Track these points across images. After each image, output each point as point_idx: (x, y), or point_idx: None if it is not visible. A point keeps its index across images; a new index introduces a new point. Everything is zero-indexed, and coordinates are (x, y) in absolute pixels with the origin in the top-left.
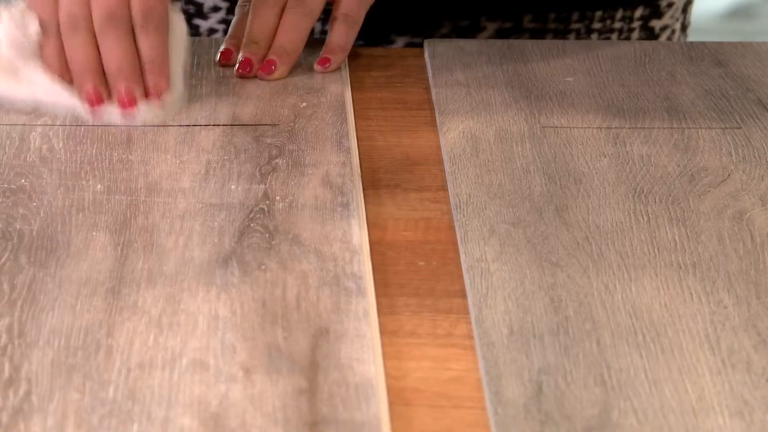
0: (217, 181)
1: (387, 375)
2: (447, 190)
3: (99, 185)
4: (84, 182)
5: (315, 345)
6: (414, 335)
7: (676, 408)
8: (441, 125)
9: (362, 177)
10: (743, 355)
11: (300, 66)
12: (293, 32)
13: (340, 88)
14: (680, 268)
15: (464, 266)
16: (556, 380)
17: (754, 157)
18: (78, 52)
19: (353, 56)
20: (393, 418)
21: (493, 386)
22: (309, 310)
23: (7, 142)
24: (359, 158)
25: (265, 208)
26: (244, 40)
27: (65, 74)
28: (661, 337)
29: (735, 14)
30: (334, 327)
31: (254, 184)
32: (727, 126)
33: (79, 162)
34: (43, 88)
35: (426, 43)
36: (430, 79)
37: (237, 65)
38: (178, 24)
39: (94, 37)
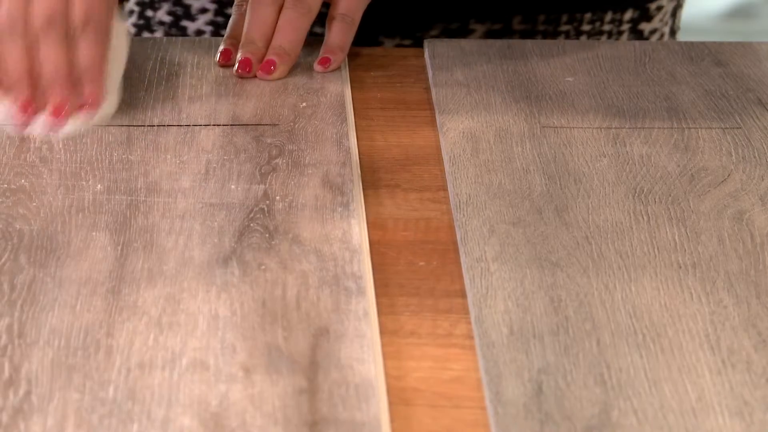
0: (217, 181)
1: (387, 375)
2: (447, 190)
3: (99, 185)
4: (84, 182)
5: (315, 345)
6: (414, 335)
7: (676, 408)
8: (441, 125)
9: (362, 177)
10: (743, 355)
11: (300, 66)
12: (292, 31)
13: (340, 88)
14: (680, 268)
15: (464, 266)
16: (556, 380)
17: (754, 157)
18: (13, 56)
19: (353, 56)
20: (393, 418)
21: (493, 386)
22: (309, 310)
23: (7, 142)
24: (359, 158)
25: (265, 208)
26: (242, 39)
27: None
28: (661, 337)
29: (735, 14)
30: (334, 327)
31: (254, 184)
32: (727, 126)
33: (79, 162)
34: None
35: (426, 42)
36: (430, 79)
37: (236, 65)
38: (121, 29)
39: (30, 40)
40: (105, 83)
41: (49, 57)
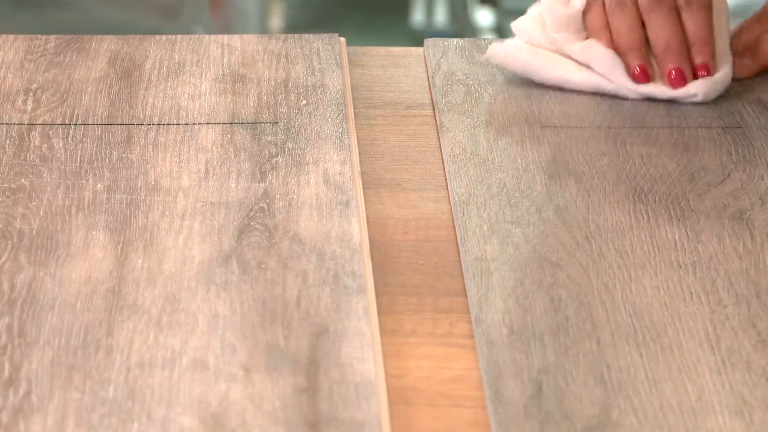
0: (216, 180)
1: (387, 374)
2: (447, 189)
3: (99, 184)
4: (84, 182)
5: (315, 344)
6: (414, 334)
7: (676, 407)
8: (441, 125)
9: (362, 176)
10: (743, 354)
11: (299, 63)
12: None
13: (340, 87)
14: (680, 267)
15: (464, 265)
16: (556, 380)
17: (754, 156)
18: (624, 29)
19: (353, 55)
20: (393, 417)
21: (493, 385)
22: (309, 309)
23: (7, 141)
24: (359, 157)
25: (265, 207)
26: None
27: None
28: (661, 336)
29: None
30: (334, 326)
31: (254, 182)
32: (727, 126)
33: (79, 161)
34: (597, 61)
35: (426, 42)
36: (430, 78)
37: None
38: (722, 3)
39: (639, 16)
40: (714, 50)
41: (660, 29)
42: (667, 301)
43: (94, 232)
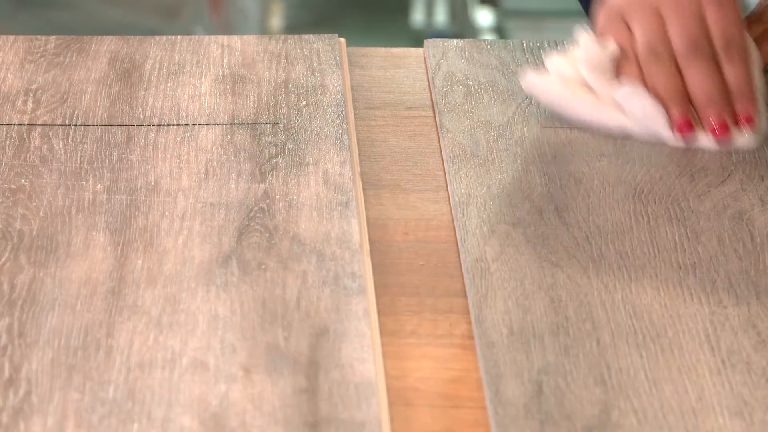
0: (216, 181)
1: (387, 375)
2: (447, 190)
3: (99, 185)
4: (84, 182)
5: (315, 344)
6: (414, 335)
7: (676, 408)
8: (441, 125)
9: (362, 176)
10: (743, 355)
11: (299, 64)
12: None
13: (340, 87)
14: (680, 268)
15: (464, 266)
16: (556, 380)
17: (754, 157)
18: (662, 79)
19: (353, 56)
20: (393, 418)
21: (493, 386)
22: (309, 310)
23: (7, 142)
24: (359, 157)
25: (265, 208)
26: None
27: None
28: (661, 337)
29: None
30: (334, 326)
31: (254, 183)
32: None
33: (79, 162)
34: (639, 109)
35: (426, 42)
36: (430, 79)
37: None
38: (753, 49)
39: (676, 65)
40: (756, 103)
41: (699, 78)
42: (667, 302)
43: (94, 233)
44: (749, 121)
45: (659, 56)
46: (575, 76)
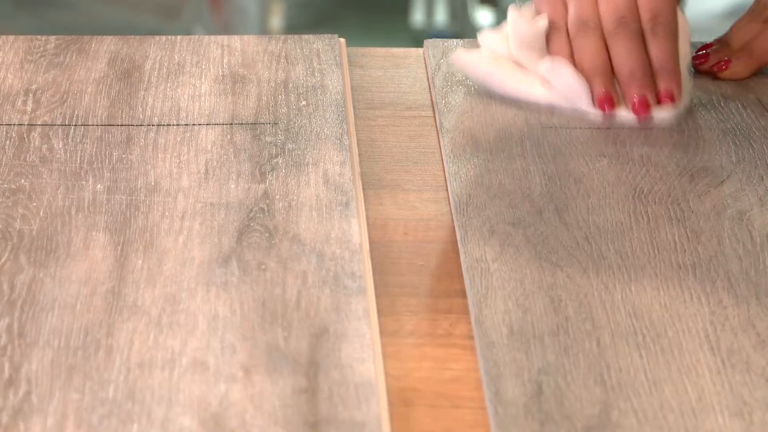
0: (216, 181)
1: (387, 375)
2: (447, 190)
3: (99, 185)
4: (84, 182)
5: (315, 345)
6: (414, 335)
7: (675, 408)
8: (441, 125)
9: (362, 177)
10: (743, 355)
11: (299, 64)
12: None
13: (340, 87)
14: (680, 268)
15: (464, 266)
16: (556, 380)
17: (754, 157)
18: (588, 53)
19: (353, 56)
20: (393, 418)
21: (493, 386)
22: (309, 310)
23: (7, 142)
24: (359, 158)
25: (265, 208)
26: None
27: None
28: (660, 337)
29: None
30: (334, 327)
31: (254, 183)
32: (727, 126)
33: (79, 162)
34: (564, 84)
35: (426, 42)
36: (430, 79)
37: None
38: (683, 25)
39: (603, 40)
40: (680, 77)
41: (624, 54)
42: (667, 302)
43: (94, 233)
44: (670, 97)
45: (587, 30)
46: (506, 52)
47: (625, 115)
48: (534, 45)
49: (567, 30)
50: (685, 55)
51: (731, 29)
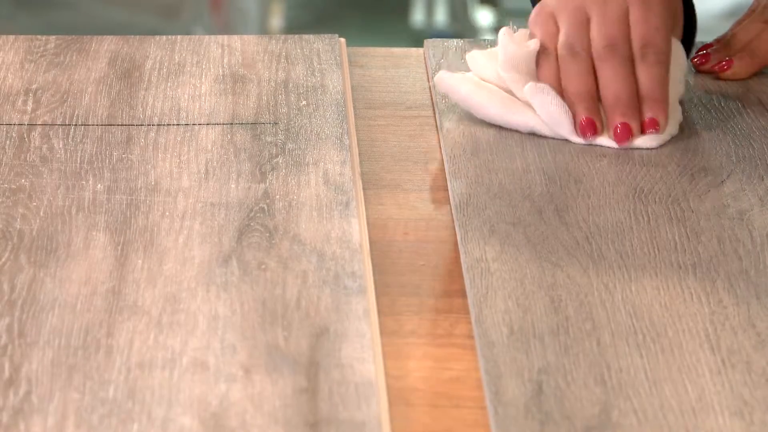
0: (217, 180)
1: (387, 375)
2: (447, 190)
3: (99, 185)
4: (84, 182)
5: (315, 344)
6: (414, 335)
7: (676, 408)
8: (441, 125)
9: (362, 176)
10: (743, 355)
11: (299, 64)
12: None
13: (340, 87)
14: (680, 268)
15: (464, 266)
16: (556, 380)
17: (754, 157)
18: (574, 78)
19: (353, 56)
20: (393, 418)
21: (493, 386)
22: (309, 310)
23: (7, 142)
24: (359, 157)
25: (265, 207)
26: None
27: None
28: (661, 337)
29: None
30: (334, 326)
31: (254, 183)
32: (727, 126)
33: (79, 162)
34: (545, 109)
35: (426, 42)
36: (430, 79)
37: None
38: (679, 55)
39: (592, 65)
40: (667, 106)
41: (611, 80)
42: (667, 302)
43: (94, 233)
44: (654, 126)
45: (576, 55)
46: (493, 73)
47: (606, 142)
48: (522, 67)
49: (556, 53)
50: (677, 83)
51: (732, 29)
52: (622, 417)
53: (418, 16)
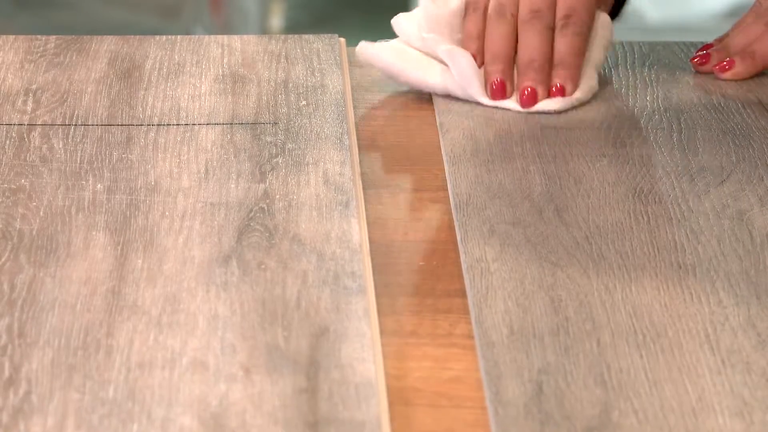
0: (216, 180)
1: (387, 375)
2: (447, 190)
3: (99, 185)
4: (84, 182)
5: (315, 344)
6: (414, 335)
7: (676, 408)
8: (441, 125)
9: (362, 176)
10: (743, 355)
11: (299, 64)
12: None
13: (340, 87)
14: (680, 268)
15: (464, 266)
16: (556, 380)
17: (754, 157)
18: (496, 38)
19: (353, 56)
20: (393, 418)
21: (493, 386)
22: (309, 310)
23: (7, 142)
24: (359, 157)
25: (265, 207)
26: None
27: (478, 57)
28: (661, 337)
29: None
30: (334, 326)
31: (254, 182)
32: (727, 126)
33: (79, 162)
34: (458, 69)
35: None
36: None
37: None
38: (604, 28)
39: (516, 28)
40: (578, 74)
41: (529, 43)
42: (667, 302)
43: (94, 233)
44: (560, 92)
45: (502, 17)
46: (417, 35)
47: (512, 105)
48: (444, 28)
49: (484, 12)
50: (595, 53)
51: (732, 30)
52: (623, 417)
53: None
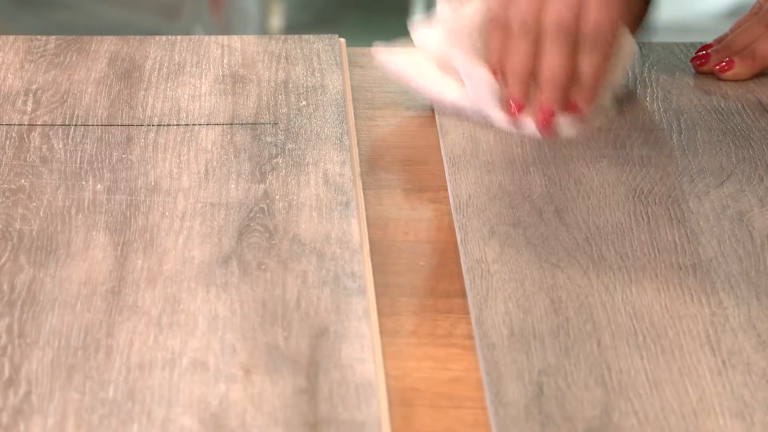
0: (216, 181)
1: (387, 375)
2: (447, 190)
3: (99, 185)
4: (84, 182)
5: (315, 345)
6: (414, 335)
7: (676, 409)
8: (441, 125)
9: (362, 177)
10: (743, 356)
11: (299, 64)
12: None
13: (340, 87)
14: (680, 269)
15: (464, 267)
16: (556, 381)
17: (754, 158)
18: (517, 56)
19: (353, 56)
20: (393, 418)
21: (494, 387)
22: (309, 310)
23: (7, 142)
24: (359, 158)
25: (265, 208)
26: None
27: (498, 71)
28: (661, 338)
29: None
30: (334, 327)
31: (254, 183)
32: (727, 126)
33: (79, 162)
34: (475, 84)
35: None
36: None
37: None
38: (628, 48)
39: (538, 45)
40: (598, 95)
41: (551, 59)
42: (667, 303)
43: (94, 233)
44: (575, 109)
45: (526, 33)
46: (438, 48)
47: (529, 124)
48: (464, 40)
49: (507, 26)
50: (616, 77)
51: (732, 30)
52: (623, 418)
53: (418, 16)
